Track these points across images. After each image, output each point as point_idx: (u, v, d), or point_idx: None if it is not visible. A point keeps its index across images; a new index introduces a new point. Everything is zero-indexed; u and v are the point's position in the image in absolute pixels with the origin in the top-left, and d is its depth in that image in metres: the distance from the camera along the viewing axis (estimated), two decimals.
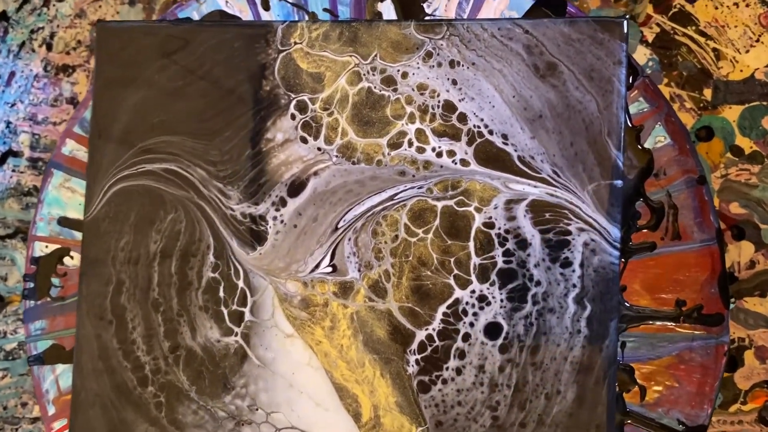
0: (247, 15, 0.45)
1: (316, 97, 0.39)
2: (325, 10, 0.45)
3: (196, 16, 0.46)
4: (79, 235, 0.47)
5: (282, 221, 0.39)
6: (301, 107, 0.39)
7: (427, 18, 0.41)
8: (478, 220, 0.37)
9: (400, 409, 0.37)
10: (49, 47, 0.53)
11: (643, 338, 0.41)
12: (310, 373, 0.38)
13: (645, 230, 0.41)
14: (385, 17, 0.44)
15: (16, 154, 0.53)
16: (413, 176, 0.38)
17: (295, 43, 0.39)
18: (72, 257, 0.47)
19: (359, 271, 0.38)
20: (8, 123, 0.54)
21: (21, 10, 0.54)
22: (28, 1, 0.55)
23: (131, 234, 0.40)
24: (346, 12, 0.45)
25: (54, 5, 0.54)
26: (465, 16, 0.43)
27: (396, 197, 0.38)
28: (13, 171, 0.53)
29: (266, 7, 0.45)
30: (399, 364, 0.37)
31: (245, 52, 0.39)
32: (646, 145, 0.42)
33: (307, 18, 0.45)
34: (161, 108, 0.40)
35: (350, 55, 0.39)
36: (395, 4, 0.44)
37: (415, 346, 0.37)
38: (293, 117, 0.39)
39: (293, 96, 0.39)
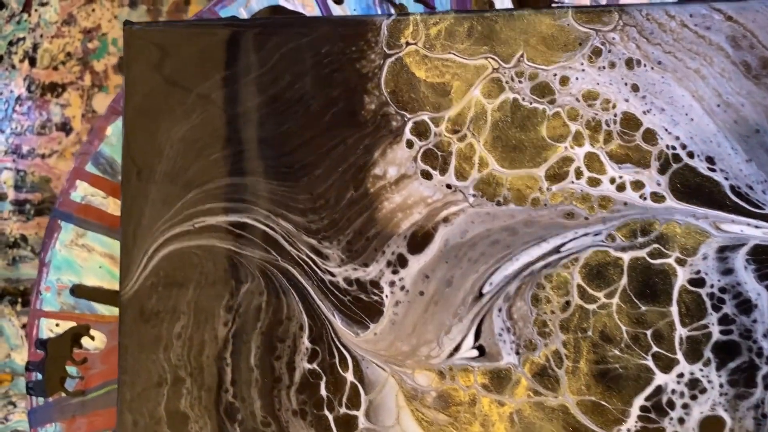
0: (312, 11, 0.35)
1: (440, 116, 0.28)
2: (416, 0, 0.34)
3: (244, 15, 0.35)
4: (101, 308, 0.35)
5: (403, 288, 0.28)
6: (421, 131, 0.28)
7: (582, 4, 0.31)
8: (682, 276, 0.27)
9: None
10: (33, 62, 0.43)
11: None
12: None
13: None
14: (498, 6, 0.34)
15: None
16: (586, 219, 0.27)
17: (408, 44, 0.29)
18: (93, 337, 0.36)
19: (517, 353, 0.27)
20: None
21: None
22: (4, 5, 0.44)
23: (191, 314, 0.29)
24: (446, 2, 0.34)
25: (36, 10, 0.43)
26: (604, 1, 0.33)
27: (563, 248, 0.27)
28: None
29: (338, 0, 0.35)
30: None
31: (338, 59, 0.29)
32: None
33: (393, 11, 0.34)
34: (223, 138, 0.29)
35: (486, 57, 0.28)
36: None
37: None
38: (410, 144, 0.28)
39: (408, 116, 0.28)
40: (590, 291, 0.27)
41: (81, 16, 0.43)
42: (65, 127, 0.42)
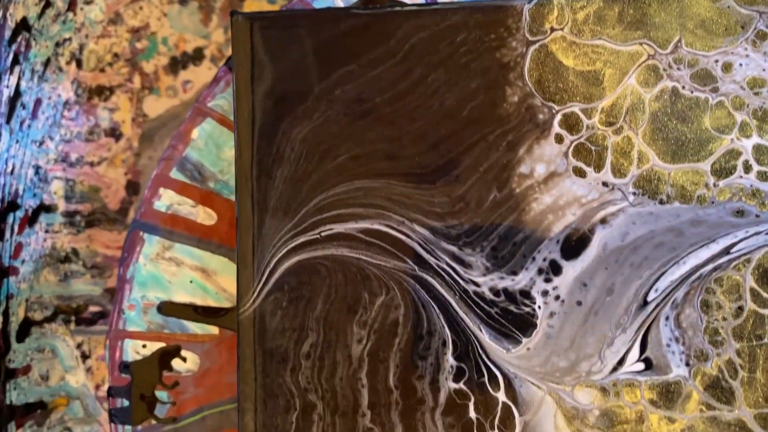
0: None
1: (592, 107, 0.26)
2: None
3: (340, 4, 0.32)
4: (193, 326, 0.33)
5: (558, 297, 0.26)
6: (571, 124, 0.26)
7: None
8: None
9: None
10: (79, 64, 0.40)
11: None
12: None
13: None
14: None
15: (49, 209, 0.39)
16: (757, 216, 0.25)
17: (553, 30, 0.26)
18: (185, 359, 0.33)
19: (687, 365, 0.25)
20: (37, 168, 0.40)
21: (43, 16, 0.41)
22: (51, 4, 0.41)
23: (320, 331, 0.26)
24: None
25: (81, 9, 0.40)
26: None
27: (734, 249, 0.25)
28: (47, 232, 0.40)
29: None
30: None
31: (475, 48, 0.26)
32: None
33: None
34: (349, 138, 0.26)
35: (641, 43, 0.26)
36: None
37: None
38: (560, 139, 0.26)
39: (557, 108, 0.26)
40: (764, 294, 0.25)
41: (128, 14, 0.40)
42: (114, 133, 0.39)
